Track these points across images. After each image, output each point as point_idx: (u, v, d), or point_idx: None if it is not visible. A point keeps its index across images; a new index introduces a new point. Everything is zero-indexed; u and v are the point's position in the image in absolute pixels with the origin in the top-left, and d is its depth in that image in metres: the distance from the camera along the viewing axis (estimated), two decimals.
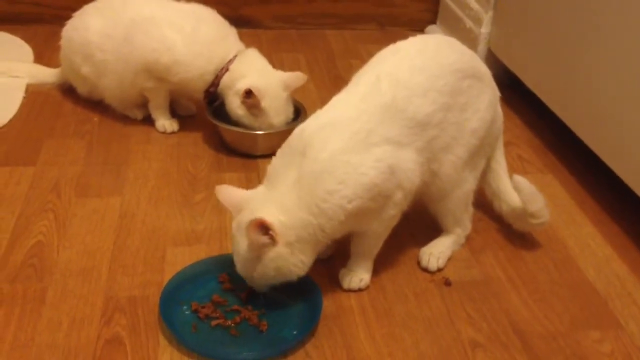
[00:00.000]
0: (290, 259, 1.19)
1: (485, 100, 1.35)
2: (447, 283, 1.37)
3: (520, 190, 1.41)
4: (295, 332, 1.21)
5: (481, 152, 1.39)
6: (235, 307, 1.25)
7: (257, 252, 1.18)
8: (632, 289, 1.38)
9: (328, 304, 1.29)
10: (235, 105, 1.71)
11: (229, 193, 1.26)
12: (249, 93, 1.66)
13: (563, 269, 1.43)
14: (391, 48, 1.33)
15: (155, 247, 1.41)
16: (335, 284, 1.34)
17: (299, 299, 1.27)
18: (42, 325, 1.21)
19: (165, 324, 1.19)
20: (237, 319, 1.23)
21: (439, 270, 1.40)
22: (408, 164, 1.24)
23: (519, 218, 1.47)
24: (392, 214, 1.27)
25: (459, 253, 1.45)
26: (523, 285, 1.38)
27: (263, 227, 1.15)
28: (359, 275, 1.33)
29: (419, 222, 1.53)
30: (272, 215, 1.16)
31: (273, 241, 1.16)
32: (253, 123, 1.71)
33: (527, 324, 1.28)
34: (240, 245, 1.19)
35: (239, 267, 1.22)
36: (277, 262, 1.18)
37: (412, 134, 1.24)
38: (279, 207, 1.18)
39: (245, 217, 1.18)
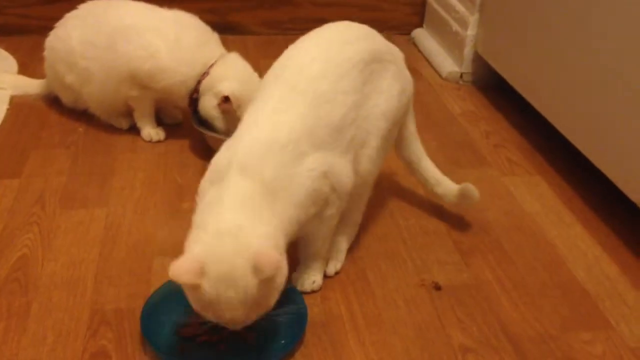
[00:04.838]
0: (286, 268, 1.10)
1: (388, 78, 1.33)
2: (437, 287, 1.36)
3: (469, 199, 1.48)
4: (283, 342, 1.19)
5: (393, 131, 1.38)
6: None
7: (269, 285, 1.06)
8: (622, 289, 1.38)
9: (317, 311, 1.28)
10: (210, 105, 1.71)
11: (182, 266, 1.04)
12: (227, 99, 1.67)
13: (552, 270, 1.42)
14: (285, 56, 1.28)
15: (142, 258, 1.40)
16: (323, 290, 1.33)
17: (283, 307, 1.25)
18: (27, 340, 1.19)
19: (152, 348, 1.16)
20: (223, 333, 1.18)
21: (336, 273, 1.37)
22: (337, 168, 1.22)
23: (432, 190, 1.54)
24: (330, 214, 1.25)
25: (449, 257, 1.45)
26: (513, 288, 1.37)
27: (272, 256, 1.04)
28: (311, 277, 1.32)
29: (410, 227, 1.53)
30: (260, 237, 1.06)
31: (280, 267, 1.06)
32: (224, 126, 1.71)
33: (518, 326, 1.27)
34: (242, 296, 1.03)
35: (245, 316, 1.07)
36: (284, 274, 1.09)
37: (333, 140, 1.21)
38: (255, 223, 1.08)
39: (230, 263, 1.03)
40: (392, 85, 1.34)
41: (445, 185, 1.52)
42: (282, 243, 1.11)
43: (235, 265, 1.03)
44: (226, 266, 1.03)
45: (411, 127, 1.50)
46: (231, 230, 1.06)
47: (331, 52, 1.27)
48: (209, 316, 1.07)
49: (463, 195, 1.49)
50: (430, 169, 1.53)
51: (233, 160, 1.14)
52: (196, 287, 1.03)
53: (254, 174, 1.12)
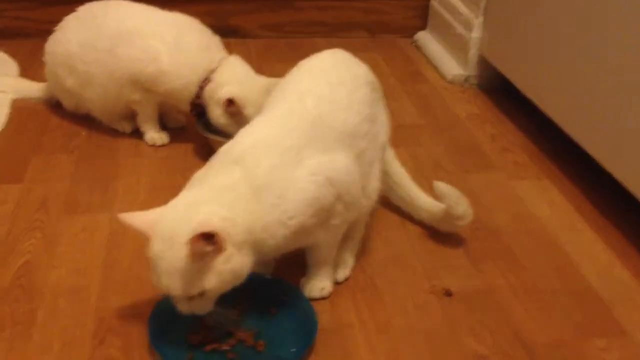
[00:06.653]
0: (242, 259, 1.08)
1: (384, 112, 1.37)
2: (448, 294, 1.34)
3: (445, 196, 1.42)
4: (293, 350, 1.17)
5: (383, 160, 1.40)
6: (229, 329, 1.19)
7: (202, 263, 1.05)
8: (636, 295, 1.36)
9: (327, 318, 1.26)
10: (217, 114, 1.69)
11: (138, 215, 1.11)
12: (230, 102, 1.65)
13: (565, 276, 1.41)
14: (303, 66, 1.32)
15: (148, 263, 1.37)
16: (333, 297, 1.31)
17: (291, 314, 1.24)
18: (33, 348, 1.17)
19: (160, 356, 1.14)
20: (232, 341, 1.18)
21: (345, 279, 1.36)
22: (348, 176, 1.20)
23: (443, 221, 1.47)
24: (336, 223, 1.22)
25: (459, 262, 1.43)
26: (525, 294, 1.35)
27: (207, 235, 1.02)
28: (319, 284, 1.31)
29: (418, 233, 1.51)
30: (213, 213, 1.06)
31: (220, 248, 1.04)
32: (237, 131, 1.68)
33: (531, 333, 1.25)
34: (176, 262, 1.04)
35: (179, 288, 1.06)
36: (232, 264, 1.06)
37: (345, 144, 1.21)
38: (218, 202, 1.08)
39: (174, 225, 1.06)
40: (387, 121, 1.38)
41: (431, 205, 1.49)
42: (241, 239, 1.07)
43: (175, 229, 1.05)
44: (169, 228, 1.06)
45: (400, 170, 1.51)
46: (194, 202, 1.09)
47: (345, 67, 1.31)
48: (155, 282, 1.09)
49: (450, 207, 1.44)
50: (432, 209, 1.49)
51: (232, 151, 1.16)
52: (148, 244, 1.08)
53: (245, 166, 1.12)
